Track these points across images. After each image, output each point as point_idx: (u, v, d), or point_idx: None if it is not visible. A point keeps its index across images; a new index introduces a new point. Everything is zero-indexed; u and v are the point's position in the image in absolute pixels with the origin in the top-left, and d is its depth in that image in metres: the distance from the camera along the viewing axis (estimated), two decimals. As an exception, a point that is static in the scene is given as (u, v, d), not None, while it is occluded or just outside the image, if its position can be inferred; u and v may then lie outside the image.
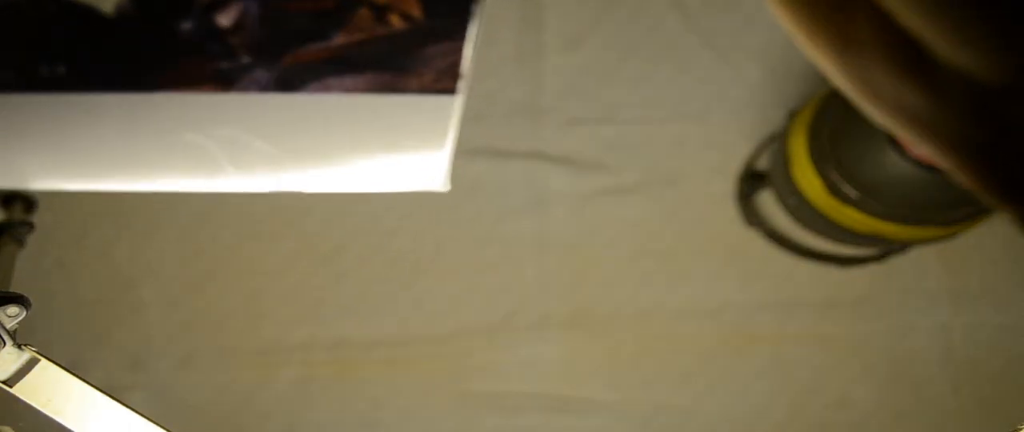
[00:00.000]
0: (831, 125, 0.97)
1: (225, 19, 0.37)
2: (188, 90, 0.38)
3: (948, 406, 1.11)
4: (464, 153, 1.15)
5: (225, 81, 0.38)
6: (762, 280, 1.13)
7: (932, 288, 1.13)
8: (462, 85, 0.42)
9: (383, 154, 0.45)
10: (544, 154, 1.16)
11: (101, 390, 0.52)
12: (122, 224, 1.13)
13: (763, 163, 1.15)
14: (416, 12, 0.38)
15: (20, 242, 0.97)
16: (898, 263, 1.13)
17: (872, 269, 1.13)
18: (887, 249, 1.11)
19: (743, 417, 1.11)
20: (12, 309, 0.51)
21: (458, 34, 0.39)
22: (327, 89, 0.40)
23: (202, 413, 1.09)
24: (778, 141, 1.09)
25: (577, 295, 1.13)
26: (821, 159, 0.98)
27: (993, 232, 1.13)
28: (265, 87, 0.39)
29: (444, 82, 0.41)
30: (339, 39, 0.38)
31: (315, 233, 1.14)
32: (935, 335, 1.12)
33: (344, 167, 0.45)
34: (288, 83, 0.39)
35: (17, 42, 0.35)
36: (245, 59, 0.38)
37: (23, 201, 1.09)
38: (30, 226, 1.03)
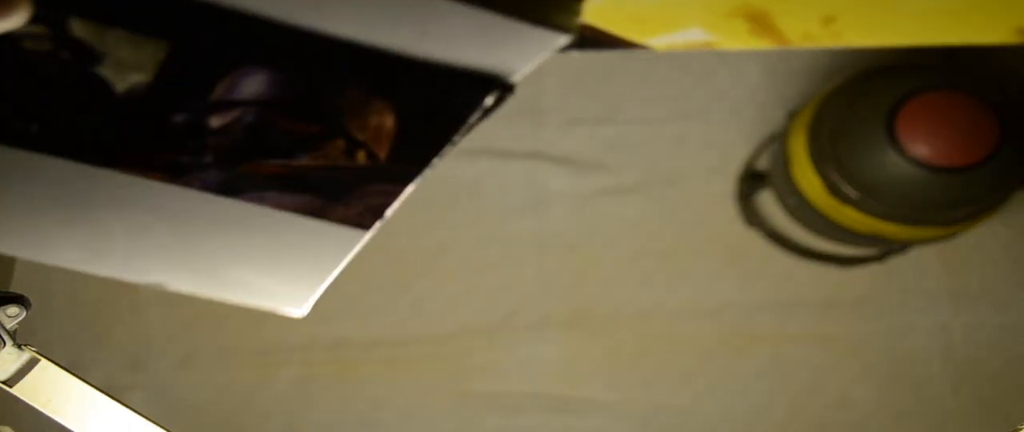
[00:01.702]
0: (831, 125, 0.97)
1: (218, 120, 0.37)
2: (136, 173, 0.39)
3: (948, 406, 1.11)
4: (464, 153, 1.15)
5: (175, 173, 0.39)
6: (762, 280, 1.13)
7: (932, 288, 1.13)
8: (378, 224, 0.43)
9: (265, 271, 0.46)
10: (544, 154, 1.16)
11: (101, 390, 0.52)
12: (122, 224, 1.13)
13: (763, 163, 1.15)
14: (382, 154, 0.39)
15: (20, 242, 0.97)
16: (898, 263, 1.13)
17: (872, 269, 1.13)
18: (887, 249, 1.11)
19: (743, 417, 1.11)
20: (12, 309, 0.51)
21: (404, 179, 0.41)
22: (261, 201, 0.41)
23: (202, 413, 1.09)
24: (778, 141, 1.09)
25: (577, 295, 1.13)
26: (821, 159, 0.98)
27: (993, 232, 1.13)
28: (208, 187, 0.40)
29: (365, 218, 0.42)
30: (303, 161, 0.39)
31: (315, 233, 1.14)
32: (935, 335, 1.12)
33: (224, 273, 0.45)
34: (230, 188, 0.40)
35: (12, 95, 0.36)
36: (208, 159, 0.38)
37: (23, 201, 1.09)
38: (30, 226, 1.03)
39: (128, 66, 0.35)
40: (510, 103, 1.24)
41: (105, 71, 0.35)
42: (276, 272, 0.45)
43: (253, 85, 0.37)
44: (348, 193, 0.41)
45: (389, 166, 0.40)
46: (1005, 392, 1.11)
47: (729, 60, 1.18)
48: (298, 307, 0.48)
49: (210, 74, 0.36)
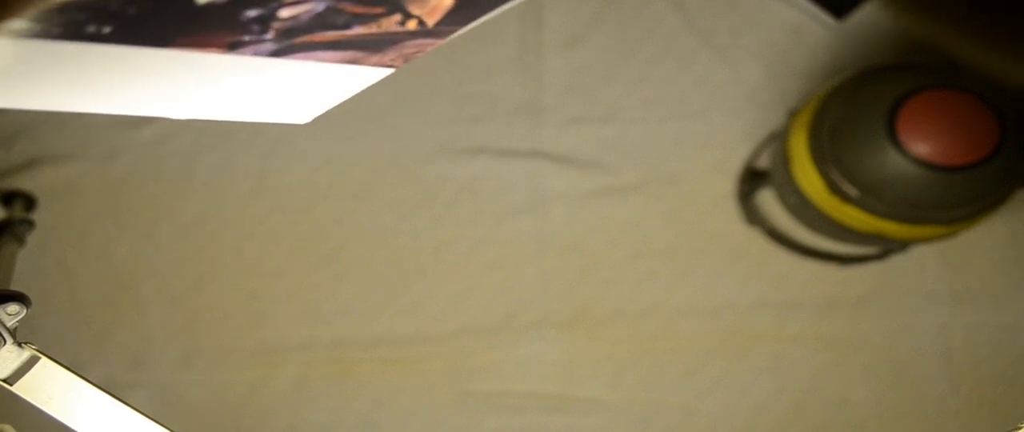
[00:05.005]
0: (831, 124, 0.97)
1: (288, 12, 0.37)
2: (193, 49, 0.39)
3: (948, 406, 1.11)
4: (464, 153, 1.15)
5: (232, 48, 0.39)
6: (762, 280, 1.13)
7: (932, 288, 1.13)
8: (403, 65, 0.45)
9: (281, 100, 0.46)
10: (544, 154, 1.16)
11: (101, 388, 0.52)
12: (122, 224, 1.13)
13: (763, 162, 1.15)
14: (431, 22, 0.40)
15: (20, 240, 0.97)
16: (898, 263, 1.13)
17: (872, 269, 1.13)
18: (888, 248, 1.11)
19: (743, 417, 1.11)
20: (12, 307, 0.51)
21: (442, 35, 0.41)
22: (305, 59, 0.42)
23: (202, 412, 1.09)
24: (778, 140, 1.09)
25: (577, 295, 1.13)
26: (822, 158, 0.98)
27: (993, 232, 1.13)
28: (260, 54, 0.40)
29: (396, 62, 0.44)
30: (356, 30, 0.40)
31: (315, 233, 1.14)
32: (935, 335, 1.12)
33: (234, 104, 0.46)
34: (282, 53, 0.40)
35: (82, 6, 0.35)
36: (268, 36, 0.38)
37: (23, 199, 1.09)
38: (30, 224, 1.03)
39: None
40: (510, 103, 1.24)
41: None
42: (285, 94, 0.46)
43: None
44: (387, 46, 0.42)
45: (433, 29, 0.41)
46: (1005, 392, 1.11)
47: (729, 60, 1.18)
48: (301, 117, 0.50)
49: None
